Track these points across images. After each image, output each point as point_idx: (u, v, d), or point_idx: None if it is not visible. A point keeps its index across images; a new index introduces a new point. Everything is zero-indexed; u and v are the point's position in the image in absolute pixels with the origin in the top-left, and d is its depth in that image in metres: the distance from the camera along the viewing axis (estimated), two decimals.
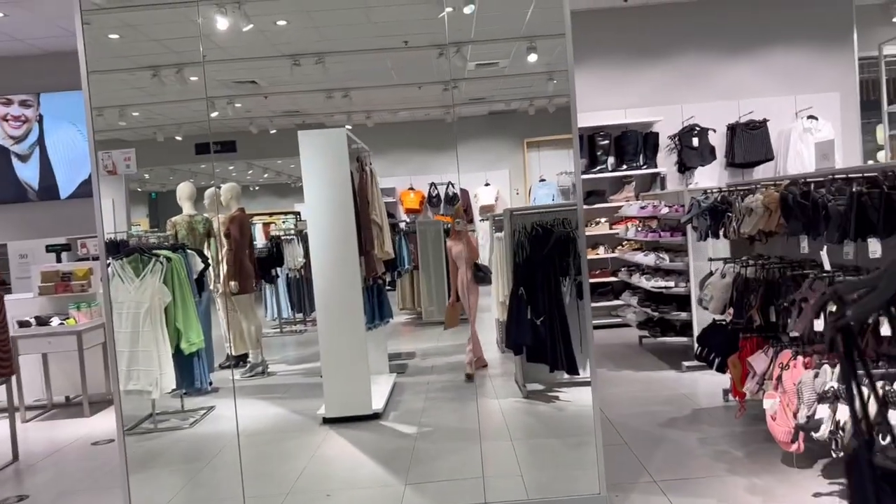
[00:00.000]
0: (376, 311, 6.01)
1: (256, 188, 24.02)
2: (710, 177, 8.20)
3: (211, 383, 6.62)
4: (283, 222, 19.18)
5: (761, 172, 8.15)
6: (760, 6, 8.15)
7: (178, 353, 5.36)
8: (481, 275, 6.16)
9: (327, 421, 5.18)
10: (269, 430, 5.28)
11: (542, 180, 14.05)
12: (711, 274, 4.60)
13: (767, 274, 3.90)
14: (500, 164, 14.56)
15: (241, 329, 7.21)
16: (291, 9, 7.15)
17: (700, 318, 5.76)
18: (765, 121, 7.97)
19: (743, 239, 4.36)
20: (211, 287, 7.17)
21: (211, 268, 6.99)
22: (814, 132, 7.85)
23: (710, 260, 4.82)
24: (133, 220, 17.94)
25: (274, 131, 14.05)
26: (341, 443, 4.77)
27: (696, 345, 4.75)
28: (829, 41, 8.22)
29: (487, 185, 14.42)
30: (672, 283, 5.79)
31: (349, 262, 5.15)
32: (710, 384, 5.35)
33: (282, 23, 7.56)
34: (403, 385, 6.17)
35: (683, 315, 5.81)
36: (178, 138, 13.42)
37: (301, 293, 10.44)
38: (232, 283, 6.75)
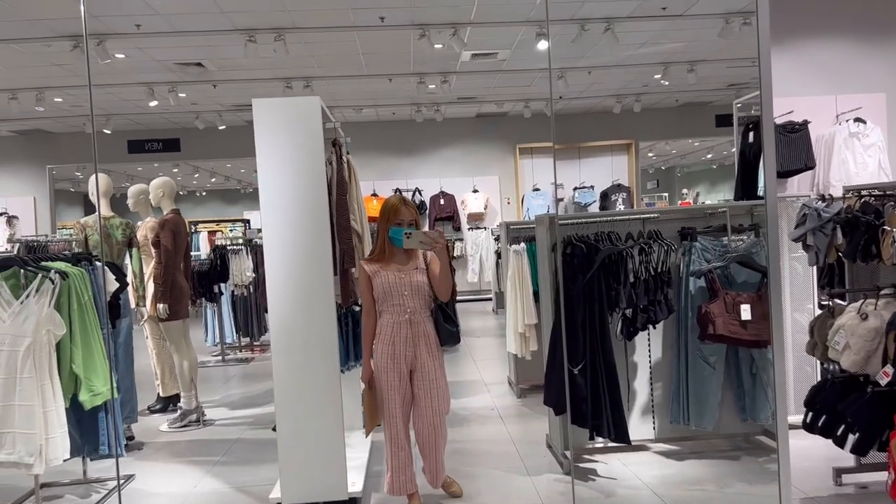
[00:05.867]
0: (352, 348, 4.57)
1: (203, 193, 22.30)
2: None
3: (132, 438, 5.10)
4: (231, 231, 17.53)
5: (797, 183, 7.00)
6: None
7: (75, 407, 3.85)
8: (452, 330, 3.52)
9: None
10: None
11: (536, 189, 12.80)
12: (831, 312, 3.32)
13: None
14: (489, 170, 13.25)
15: (171, 364, 5.68)
16: None
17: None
18: (805, 122, 6.82)
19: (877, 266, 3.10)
20: (133, 306, 5.63)
21: (133, 286, 5.46)
22: (861, 137, 6.74)
23: (830, 294, 3.54)
24: (65, 222, 16.04)
25: (223, 128, 12.48)
26: None
27: (805, 410, 3.44)
28: (874, 35, 7.14)
29: (476, 191, 13.11)
30: None
31: (321, 284, 3.71)
32: (800, 450, 4.05)
33: None
34: (382, 447, 4.71)
35: None
36: (107, 131, 11.72)
37: (248, 314, 8.90)
38: (160, 307, 5.21)
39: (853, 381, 3.25)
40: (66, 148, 12.61)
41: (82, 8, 3.42)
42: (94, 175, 5.30)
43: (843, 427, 3.18)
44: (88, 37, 7.14)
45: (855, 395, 3.16)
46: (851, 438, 3.14)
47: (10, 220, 11.99)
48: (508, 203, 13.18)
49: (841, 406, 3.19)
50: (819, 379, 4.22)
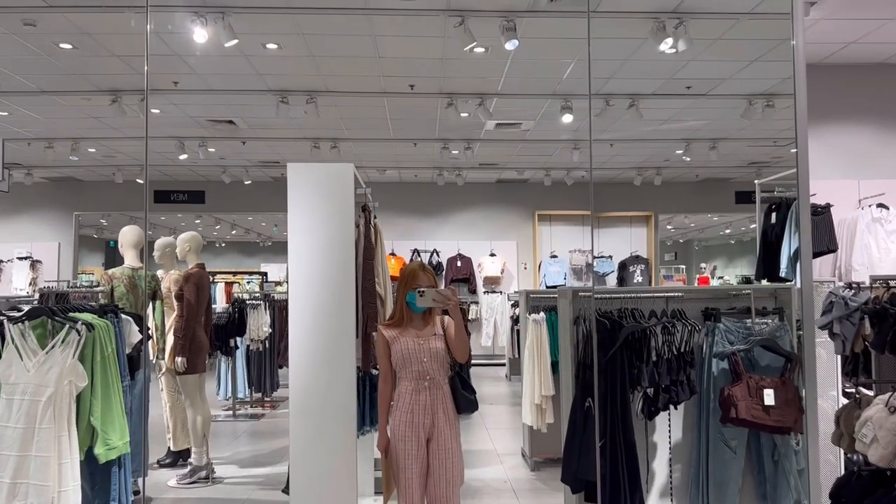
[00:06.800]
0: (367, 412, 4.55)
1: (222, 245, 22.52)
2: None
3: (137, 493, 5.04)
4: (248, 283, 17.63)
5: (819, 265, 6.98)
6: (818, 81, 7.15)
7: (89, 460, 3.83)
8: (470, 398, 3.44)
9: None
10: None
11: (554, 256, 12.86)
12: (858, 403, 3.28)
13: None
14: (507, 235, 13.35)
15: (183, 418, 5.66)
16: (285, 29, 5.92)
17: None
18: (828, 206, 6.85)
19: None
20: (152, 358, 5.65)
21: (154, 338, 5.49)
22: (884, 223, 6.75)
23: (857, 384, 3.51)
24: (86, 268, 16.19)
25: (248, 182, 12.70)
26: None
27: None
28: None
29: (493, 255, 13.19)
30: None
31: (344, 348, 3.73)
32: None
33: (272, 46, 6.29)
34: None
35: None
36: (140, 181, 11.97)
37: (262, 369, 8.89)
38: (178, 360, 5.24)
39: (880, 475, 3.18)
40: (93, 196, 12.86)
41: (146, 68, 3.57)
42: (125, 227, 5.40)
43: None
44: (127, 93, 7.38)
45: (883, 491, 3.09)
46: None
47: (34, 264, 12.16)
48: (525, 268, 13.22)
49: (868, 502, 3.12)
50: (843, 468, 4.14)
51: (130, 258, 5.31)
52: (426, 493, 3.41)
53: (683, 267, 20.70)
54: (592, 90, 7.62)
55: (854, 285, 3.49)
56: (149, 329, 4.76)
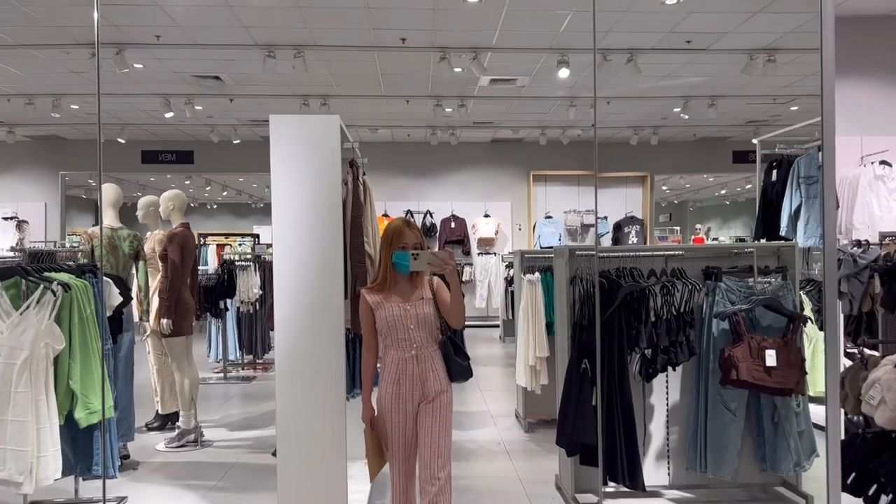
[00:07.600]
0: (358, 374, 4.42)
1: (214, 206, 22.24)
2: None
3: (127, 457, 4.96)
4: (240, 245, 17.44)
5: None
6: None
7: (70, 424, 3.71)
8: (464, 364, 3.19)
9: None
10: None
11: (549, 217, 12.71)
12: (865, 363, 3.16)
13: None
14: (501, 196, 13.16)
15: (171, 381, 5.54)
16: None
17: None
18: None
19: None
20: (137, 319, 5.50)
21: (138, 300, 5.34)
22: (886, 181, 6.59)
23: (865, 343, 3.39)
24: (76, 229, 15.94)
25: (237, 142, 12.44)
26: None
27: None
28: None
29: (487, 216, 13.03)
30: None
31: (332, 308, 3.59)
32: None
33: None
34: (386, 477, 4.55)
35: None
36: (121, 141, 11.68)
37: (253, 331, 8.76)
38: (164, 322, 5.09)
39: (885, 438, 3.08)
40: (79, 155, 12.57)
41: (96, 15, 3.34)
42: (105, 184, 5.20)
43: (875, 486, 3.01)
44: (107, 45, 7.11)
45: (889, 455, 3.00)
46: (885, 499, 2.97)
47: (20, 224, 11.95)
48: (520, 230, 13.08)
49: (874, 464, 3.02)
50: (843, 431, 4.05)
51: (110, 218, 5.12)
52: (418, 465, 3.24)
53: (678, 228, 20.57)
54: (589, 44, 7.38)
55: (864, 242, 3.35)
56: (129, 290, 4.60)
